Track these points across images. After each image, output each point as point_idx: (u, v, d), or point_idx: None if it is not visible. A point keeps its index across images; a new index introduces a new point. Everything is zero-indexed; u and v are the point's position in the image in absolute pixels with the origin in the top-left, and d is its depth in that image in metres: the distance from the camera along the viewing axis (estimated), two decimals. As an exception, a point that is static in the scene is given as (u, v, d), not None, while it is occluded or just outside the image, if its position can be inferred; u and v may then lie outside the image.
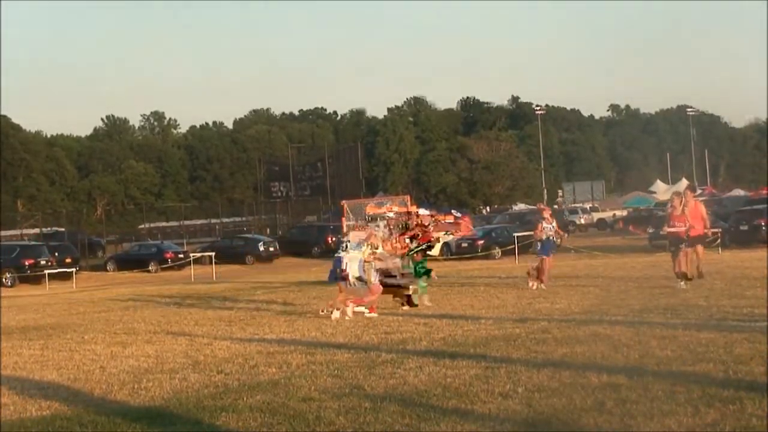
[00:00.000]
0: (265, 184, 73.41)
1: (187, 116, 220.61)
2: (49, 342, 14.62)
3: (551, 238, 20.10)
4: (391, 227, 17.19)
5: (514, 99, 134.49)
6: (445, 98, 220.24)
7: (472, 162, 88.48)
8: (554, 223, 20.44)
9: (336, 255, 16.04)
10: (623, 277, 20.82)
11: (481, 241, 40.27)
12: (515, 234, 38.34)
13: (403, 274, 16.63)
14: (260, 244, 49.06)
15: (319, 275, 32.08)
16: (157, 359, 11.60)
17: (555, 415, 6.88)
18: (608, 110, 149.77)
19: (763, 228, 34.04)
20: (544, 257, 19.65)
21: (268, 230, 63.98)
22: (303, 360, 10.64)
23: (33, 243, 48.22)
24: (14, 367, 11.78)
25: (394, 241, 16.79)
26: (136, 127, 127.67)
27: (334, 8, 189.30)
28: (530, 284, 19.34)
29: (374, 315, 15.42)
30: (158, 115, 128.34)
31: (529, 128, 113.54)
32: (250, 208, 73.86)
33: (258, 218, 69.35)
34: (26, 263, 40.86)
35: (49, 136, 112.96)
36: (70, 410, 8.35)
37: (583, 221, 61.82)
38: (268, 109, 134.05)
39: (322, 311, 15.93)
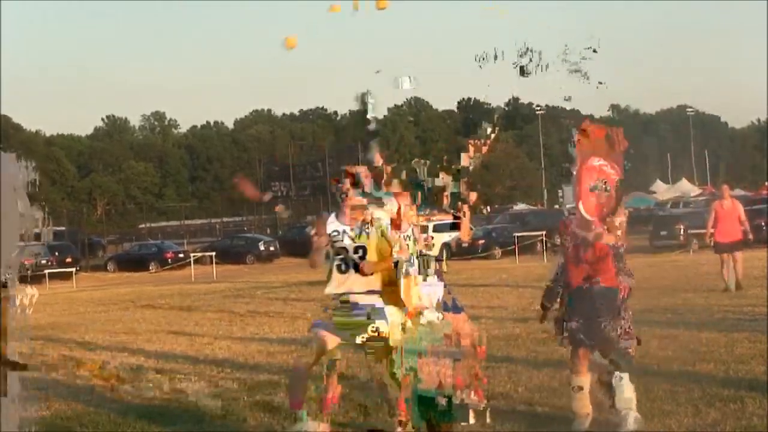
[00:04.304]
0: (265, 184, 73.43)
1: (187, 116, 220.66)
2: (49, 342, 14.62)
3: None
4: None
5: (514, 99, 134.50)
6: (444, 99, 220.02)
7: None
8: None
9: None
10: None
11: (481, 241, 40.26)
12: (515, 234, 38.30)
13: None
14: (260, 244, 49.02)
15: (320, 275, 32.09)
16: (157, 359, 11.59)
17: (555, 415, 6.87)
18: (608, 110, 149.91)
19: (763, 228, 33.99)
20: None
21: (268, 230, 63.94)
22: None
23: (33, 243, 48.15)
24: (14, 367, 11.76)
25: None
26: (137, 127, 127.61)
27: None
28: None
29: None
30: (158, 115, 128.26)
31: (529, 128, 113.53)
32: (250, 208, 73.80)
33: (258, 218, 69.32)
34: (26, 263, 40.83)
35: (49, 135, 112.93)
36: (70, 410, 8.35)
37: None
38: (269, 110, 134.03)
39: None
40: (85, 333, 15.88)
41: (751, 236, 17.08)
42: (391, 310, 5.93)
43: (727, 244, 16.25)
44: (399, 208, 6.11)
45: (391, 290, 5.97)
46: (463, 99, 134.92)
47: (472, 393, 5.89)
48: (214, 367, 10.45)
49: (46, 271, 38.88)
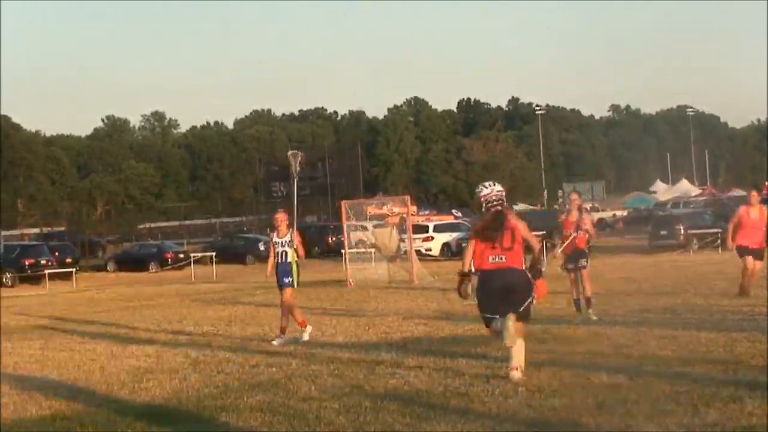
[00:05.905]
0: (265, 184, 73.46)
1: (187, 116, 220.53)
2: (49, 342, 14.62)
3: None
4: None
5: (514, 99, 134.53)
6: (444, 99, 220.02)
7: (468, 163, 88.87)
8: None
9: None
10: (623, 278, 20.81)
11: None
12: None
13: None
14: (260, 244, 49.01)
15: (321, 275, 32.09)
16: (157, 359, 11.59)
17: (555, 415, 6.88)
18: (608, 110, 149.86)
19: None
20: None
21: (268, 230, 64.03)
22: (303, 360, 10.65)
23: (33, 243, 48.15)
24: (14, 367, 11.78)
25: None
26: (137, 127, 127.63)
27: (333, 8, 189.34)
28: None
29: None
30: (158, 115, 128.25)
31: (528, 128, 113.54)
32: (250, 207, 73.85)
33: (258, 218, 69.40)
34: (26, 263, 40.83)
35: (49, 135, 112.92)
36: (70, 410, 8.35)
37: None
38: (268, 110, 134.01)
39: None
40: (85, 333, 15.89)
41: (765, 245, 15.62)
42: None
43: (751, 249, 15.34)
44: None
45: None
46: (463, 99, 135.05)
47: None
48: (214, 367, 10.46)
49: (46, 271, 38.90)
